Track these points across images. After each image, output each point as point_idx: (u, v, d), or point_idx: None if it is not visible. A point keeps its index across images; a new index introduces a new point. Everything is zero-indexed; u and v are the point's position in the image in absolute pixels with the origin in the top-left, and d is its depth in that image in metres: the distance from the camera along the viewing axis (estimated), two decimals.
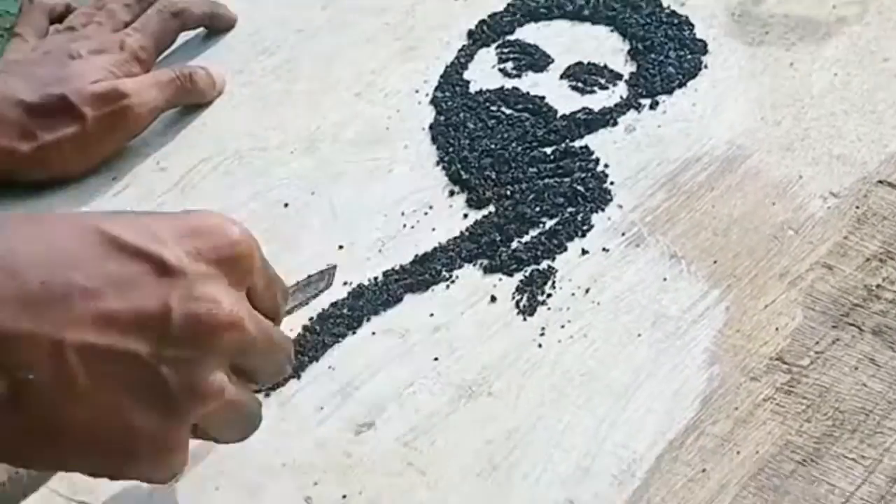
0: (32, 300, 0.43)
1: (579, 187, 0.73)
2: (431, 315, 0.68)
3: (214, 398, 0.48)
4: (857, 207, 0.69)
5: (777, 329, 0.64)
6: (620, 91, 0.80)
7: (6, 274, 0.43)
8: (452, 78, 0.83)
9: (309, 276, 0.70)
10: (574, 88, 0.81)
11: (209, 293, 0.47)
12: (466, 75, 0.83)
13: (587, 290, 0.68)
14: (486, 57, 0.85)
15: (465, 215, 0.73)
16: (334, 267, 0.71)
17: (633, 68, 0.82)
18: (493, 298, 0.68)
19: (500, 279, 0.69)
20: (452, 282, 0.69)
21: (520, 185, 0.74)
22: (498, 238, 0.71)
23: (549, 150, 0.76)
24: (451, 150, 0.77)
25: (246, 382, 0.52)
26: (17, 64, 0.80)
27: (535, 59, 0.84)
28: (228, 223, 0.50)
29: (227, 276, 0.49)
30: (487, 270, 0.70)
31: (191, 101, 0.83)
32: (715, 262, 0.68)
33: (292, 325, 0.66)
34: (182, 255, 0.47)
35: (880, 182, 0.71)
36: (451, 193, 0.75)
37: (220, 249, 0.49)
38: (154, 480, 0.50)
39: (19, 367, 0.43)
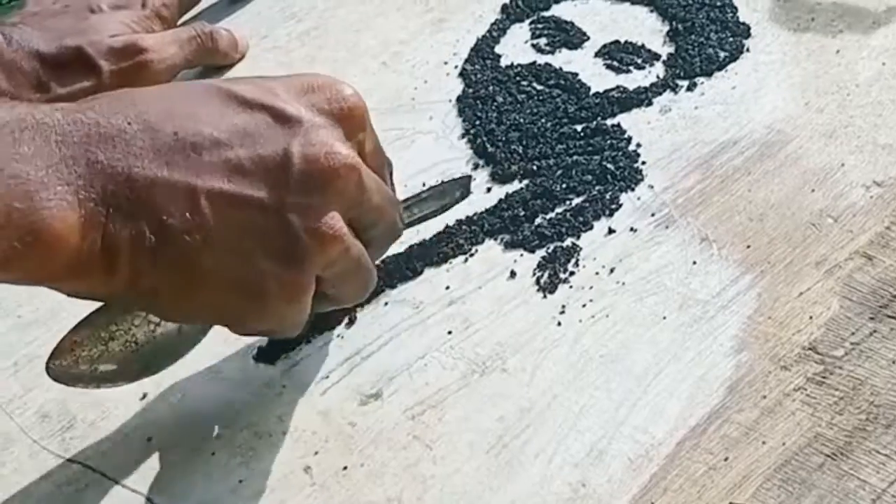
0: (167, 150, 0.46)
1: (609, 165, 0.70)
2: (447, 288, 0.65)
3: (336, 242, 0.49)
4: None
5: (811, 318, 0.60)
6: (657, 71, 0.77)
7: (141, 128, 0.46)
8: (483, 51, 0.80)
9: (443, 183, 0.67)
10: (609, 67, 0.78)
11: (326, 139, 0.49)
12: (498, 49, 0.80)
13: (612, 270, 0.64)
14: (520, 32, 0.82)
15: (489, 189, 0.70)
16: (469, 177, 0.69)
17: (672, 49, 0.78)
18: (513, 274, 0.65)
19: (522, 255, 0.66)
20: (471, 255, 0.66)
21: (547, 160, 0.71)
22: (522, 213, 0.68)
23: (579, 128, 0.73)
24: (477, 122, 0.74)
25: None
26: (35, 16, 0.77)
27: (569, 36, 0.80)
28: (340, 82, 0.52)
29: (340, 128, 0.51)
30: (508, 246, 0.67)
31: (212, 61, 0.80)
32: (748, 246, 0.64)
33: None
34: (300, 107, 0.50)
35: None
36: (476, 166, 0.72)
37: (333, 103, 0.51)
38: (280, 331, 0.53)
39: (159, 213, 0.45)
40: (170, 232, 0.46)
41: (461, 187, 0.68)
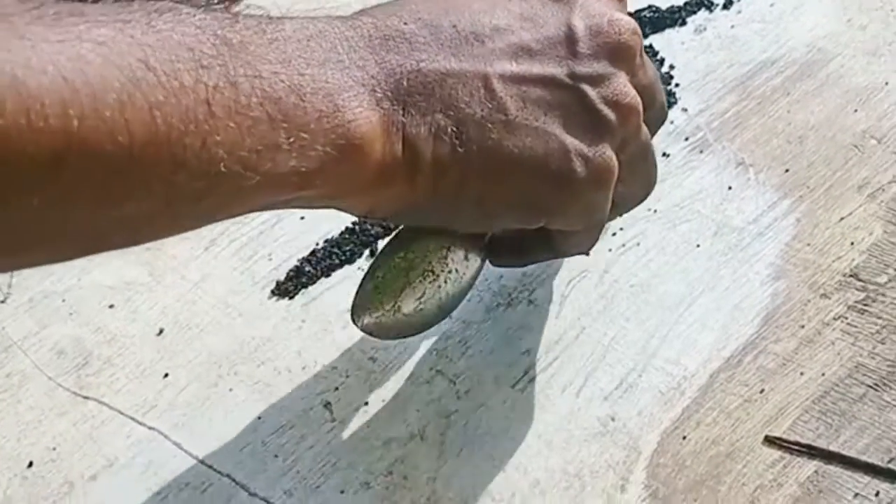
0: (450, 42, 0.46)
1: None
2: None
3: (633, 110, 0.48)
4: None
5: (852, 244, 0.57)
6: None
7: (419, 26, 0.46)
8: None
9: None
10: None
11: (604, 9, 0.49)
12: None
13: None
14: None
15: None
16: None
17: None
18: None
19: None
20: None
21: None
22: None
23: None
24: None
25: None
26: None
27: None
28: None
29: None
30: None
31: None
32: (787, 170, 0.62)
33: None
34: None
35: None
36: None
37: None
38: (585, 226, 0.50)
39: (456, 103, 0.45)
40: (469, 120, 0.45)
41: None
